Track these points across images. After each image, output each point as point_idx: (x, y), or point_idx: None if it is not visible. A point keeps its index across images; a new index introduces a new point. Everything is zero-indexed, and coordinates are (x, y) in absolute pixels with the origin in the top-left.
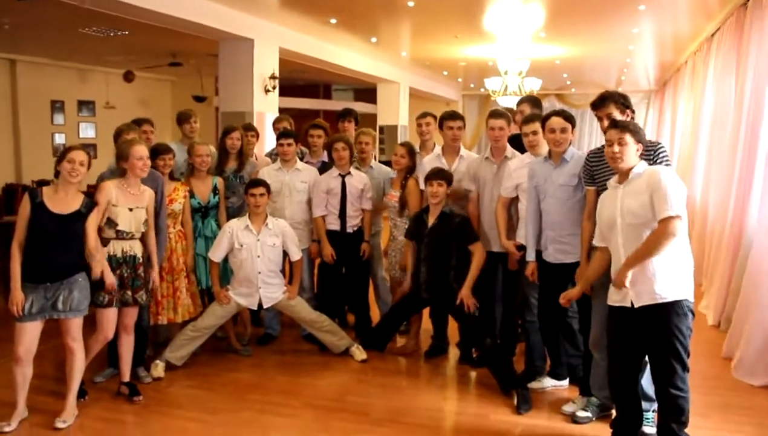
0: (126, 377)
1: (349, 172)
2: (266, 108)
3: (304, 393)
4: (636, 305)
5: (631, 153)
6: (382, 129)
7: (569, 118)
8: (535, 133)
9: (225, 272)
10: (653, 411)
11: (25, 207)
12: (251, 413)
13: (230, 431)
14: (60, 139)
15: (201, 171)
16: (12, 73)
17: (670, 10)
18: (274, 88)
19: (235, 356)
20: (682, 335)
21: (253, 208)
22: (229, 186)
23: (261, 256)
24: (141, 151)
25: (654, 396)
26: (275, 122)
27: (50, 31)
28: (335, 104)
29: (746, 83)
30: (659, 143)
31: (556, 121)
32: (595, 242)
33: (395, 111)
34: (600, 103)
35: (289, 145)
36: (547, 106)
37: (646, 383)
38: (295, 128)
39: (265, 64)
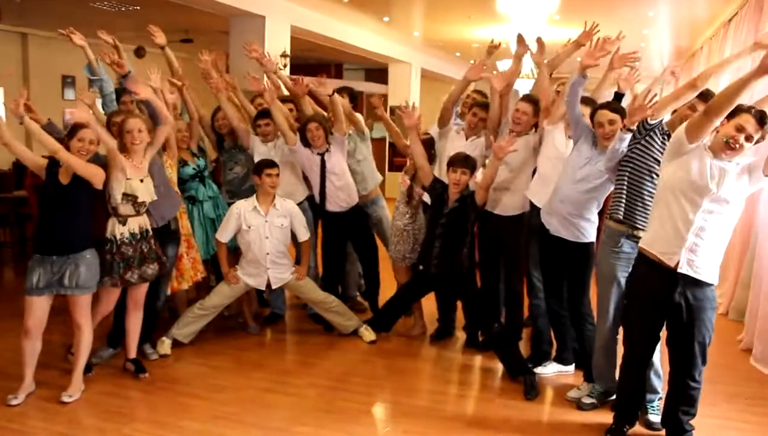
0: (132, 354)
1: (327, 150)
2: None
3: (308, 373)
4: (680, 270)
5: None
6: (393, 110)
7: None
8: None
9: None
10: (659, 400)
11: (43, 160)
12: (256, 392)
13: (234, 409)
14: (71, 114)
15: (182, 148)
16: (24, 47)
17: None
18: (285, 66)
19: (241, 334)
20: (711, 328)
21: (269, 188)
22: (231, 158)
23: (269, 237)
24: (130, 124)
25: (658, 388)
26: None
27: (62, 5)
28: (346, 84)
29: None
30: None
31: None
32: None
33: (407, 92)
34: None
35: (267, 124)
36: (560, 90)
37: (653, 373)
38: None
39: (277, 42)
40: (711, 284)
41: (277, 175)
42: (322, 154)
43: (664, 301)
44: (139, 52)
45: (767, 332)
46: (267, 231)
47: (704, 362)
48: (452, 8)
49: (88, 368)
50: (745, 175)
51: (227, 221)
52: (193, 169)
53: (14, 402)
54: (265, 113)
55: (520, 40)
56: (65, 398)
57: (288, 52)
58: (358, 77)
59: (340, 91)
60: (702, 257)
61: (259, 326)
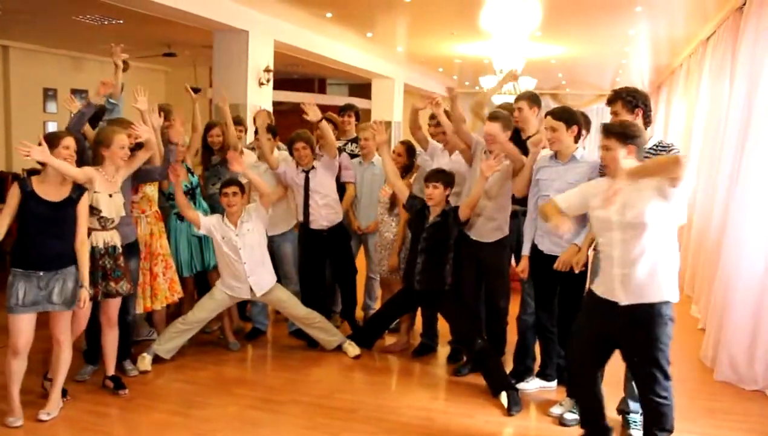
0: (111, 371)
1: (313, 167)
2: (260, 101)
3: (291, 389)
4: (622, 304)
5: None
6: None
7: (561, 118)
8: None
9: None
10: (640, 414)
11: (14, 196)
12: (237, 408)
13: (216, 426)
14: (52, 127)
15: (177, 161)
16: (4, 60)
17: (666, 13)
18: (268, 81)
19: (222, 350)
20: (663, 344)
21: (226, 207)
22: (215, 173)
23: (242, 248)
24: (124, 140)
25: None
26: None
27: (44, 18)
28: (330, 99)
29: (736, 88)
30: (672, 144)
31: (547, 121)
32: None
33: (390, 107)
34: (609, 100)
35: (268, 140)
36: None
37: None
38: (280, 122)
39: (260, 57)
40: (662, 302)
41: (234, 193)
42: (306, 172)
43: (607, 328)
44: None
45: (732, 346)
46: (240, 243)
47: (667, 378)
48: (435, 24)
49: (63, 393)
50: (652, 191)
51: (209, 218)
52: (186, 185)
53: (18, 423)
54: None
55: (451, 94)
56: (43, 416)
57: (271, 67)
58: (341, 92)
59: (347, 109)
60: (639, 285)
61: (239, 342)
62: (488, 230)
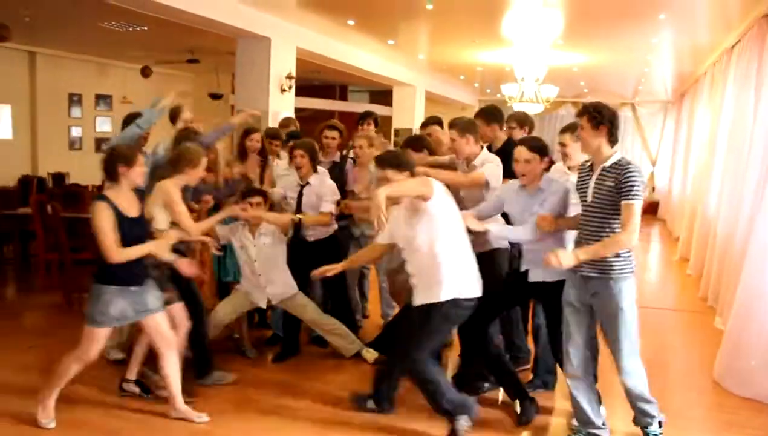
0: (134, 375)
1: (308, 183)
2: (282, 107)
3: (308, 396)
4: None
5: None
6: (397, 132)
7: (535, 149)
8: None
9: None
10: (659, 424)
11: (108, 219)
12: (255, 415)
13: (232, 432)
14: (76, 132)
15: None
16: (31, 66)
17: (690, 20)
18: (290, 87)
19: (240, 357)
20: (418, 338)
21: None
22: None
23: (257, 260)
24: (205, 163)
25: (653, 412)
26: (281, 125)
27: (70, 25)
28: (351, 106)
29: (763, 98)
30: (629, 165)
31: (519, 151)
32: None
33: (411, 114)
34: (578, 113)
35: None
36: (564, 113)
37: (644, 402)
38: (301, 128)
39: (282, 64)
40: (427, 304)
41: (258, 204)
42: (302, 187)
43: None
44: (145, 72)
45: (750, 357)
46: (255, 254)
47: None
48: (457, 32)
49: (147, 390)
50: (409, 213)
51: (224, 228)
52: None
53: (51, 425)
54: (294, 136)
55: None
56: (204, 417)
57: (293, 73)
58: (362, 99)
59: (365, 117)
60: (419, 288)
61: (256, 350)
62: (479, 243)
